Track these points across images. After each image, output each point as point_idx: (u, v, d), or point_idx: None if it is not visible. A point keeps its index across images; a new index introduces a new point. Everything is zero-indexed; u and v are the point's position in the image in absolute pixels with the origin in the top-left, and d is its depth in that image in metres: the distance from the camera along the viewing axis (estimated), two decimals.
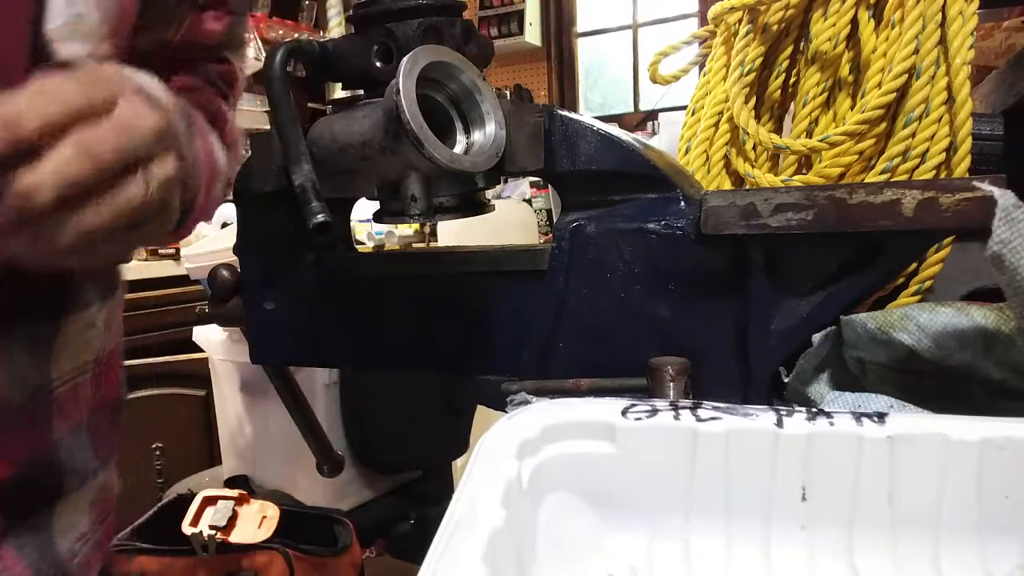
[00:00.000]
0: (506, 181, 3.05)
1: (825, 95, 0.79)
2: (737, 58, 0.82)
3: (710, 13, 0.87)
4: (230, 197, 0.79)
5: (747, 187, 0.80)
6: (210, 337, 1.61)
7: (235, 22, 0.73)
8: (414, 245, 2.60)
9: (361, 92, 0.66)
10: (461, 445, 1.78)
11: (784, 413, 0.42)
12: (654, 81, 0.95)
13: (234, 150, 0.72)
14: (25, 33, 0.50)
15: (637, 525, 0.44)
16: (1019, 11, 1.19)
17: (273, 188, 0.72)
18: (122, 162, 0.45)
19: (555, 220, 0.67)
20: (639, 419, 0.43)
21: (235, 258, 0.80)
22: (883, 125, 0.71)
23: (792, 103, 0.84)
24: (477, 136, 0.63)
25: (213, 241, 1.60)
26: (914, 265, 0.67)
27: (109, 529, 0.69)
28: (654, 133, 3.27)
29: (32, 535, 0.58)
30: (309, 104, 3.31)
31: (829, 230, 0.55)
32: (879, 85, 0.70)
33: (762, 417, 0.42)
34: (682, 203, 0.61)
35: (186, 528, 1.30)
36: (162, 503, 1.44)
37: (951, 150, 0.68)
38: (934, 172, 0.68)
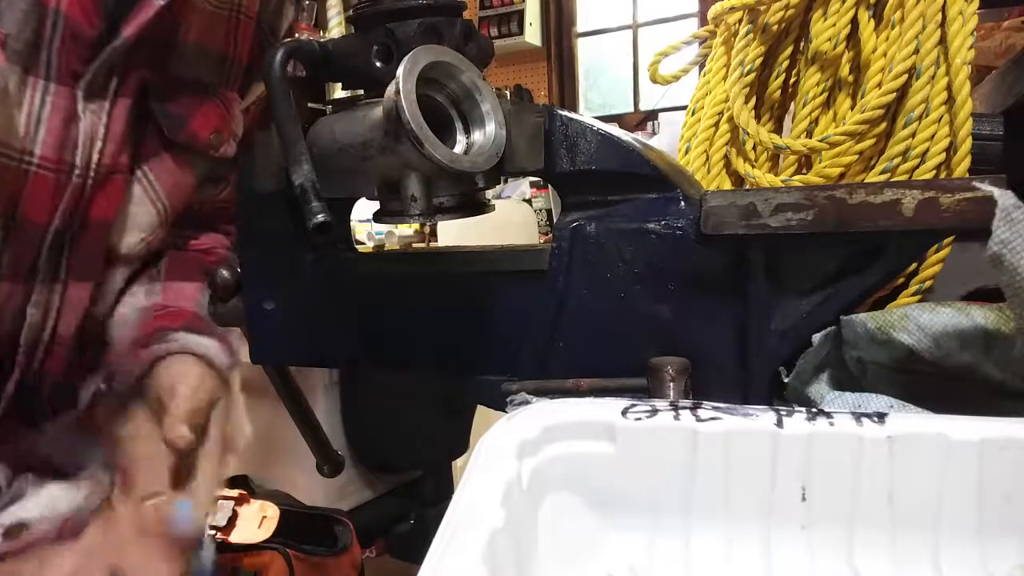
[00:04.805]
0: (506, 181, 3.05)
1: (825, 95, 0.79)
2: (737, 58, 0.82)
3: (710, 13, 0.87)
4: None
5: (747, 187, 0.80)
6: None
7: None
8: (414, 245, 2.60)
9: (361, 92, 0.66)
10: (461, 445, 1.78)
11: (784, 413, 0.42)
12: (654, 81, 0.95)
13: None
14: None
15: (637, 525, 0.44)
16: (1019, 11, 1.19)
17: (273, 188, 0.72)
18: None
19: (555, 220, 0.67)
20: (639, 419, 0.43)
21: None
22: (883, 125, 0.71)
23: (792, 103, 0.84)
24: (477, 136, 0.62)
25: None
26: (914, 265, 0.67)
27: None
28: (654, 133, 3.27)
29: None
30: (309, 104, 3.31)
31: (829, 230, 0.55)
32: (879, 85, 0.70)
33: (762, 417, 0.42)
34: (682, 203, 0.61)
35: None
36: None
37: (951, 150, 0.68)
38: (934, 172, 0.68)
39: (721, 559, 0.43)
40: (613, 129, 0.64)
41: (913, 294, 0.68)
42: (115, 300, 0.72)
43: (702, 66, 0.92)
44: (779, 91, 0.83)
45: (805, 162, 0.81)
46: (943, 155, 0.68)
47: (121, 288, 0.72)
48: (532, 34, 3.94)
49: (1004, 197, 0.48)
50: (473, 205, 0.68)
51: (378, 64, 0.63)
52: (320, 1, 3.91)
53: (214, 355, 0.69)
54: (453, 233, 2.38)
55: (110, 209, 0.63)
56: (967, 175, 0.67)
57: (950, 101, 0.68)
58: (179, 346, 0.68)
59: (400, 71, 0.56)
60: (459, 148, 0.62)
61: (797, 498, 0.42)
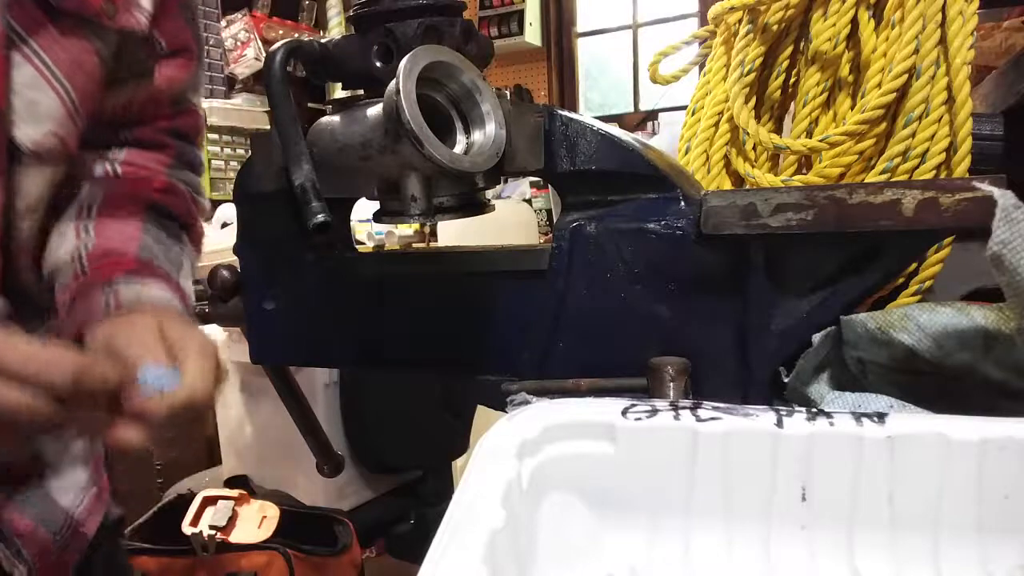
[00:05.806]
0: (506, 181, 3.05)
1: (825, 95, 0.79)
2: (737, 58, 0.82)
3: (710, 13, 0.87)
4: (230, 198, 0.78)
5: (747, 187, 0.80)
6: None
7: (198, 66, 0.73)
8: (414, 245, 2.60)
9: (361, 92, 0.66)
10: (461, 445, 1.78)
11: (784, 413, 0.42)
12: (654, 81, 0.95)
13: (198, 234, 0.74)
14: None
15: (637, 525, 0.44)
16: (1019, 11, 1.19)
17: (273, 188, 0.72)
18: None
19: (555, 220, 0.67)
20: (639, 419, 0.43)
21: (235, 258, 0.80)
22: (883, 125, 0.71)
23: (792, 103, 0.84)
24: (477, 136, 0.62)
25: (213, 241, 1.60)
26: (914, 265, 0.67)
27: (105, 481, 0.74)
28: (654, 133, 3.27)
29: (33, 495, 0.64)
30: (309, 104, 3.31)
31: (829, 230, 0.55)
32: (879, 85, 0.70)
33: (762, 417, 0.42)
34: (682, 203, 0.61)
35: (186, 528, 1.30)
36: (162, 503, 1.44)
37: (951, 150, 0.68)
38: (934, 172, 0.68)
39: (721, 559, 0.43)
40: (613, 129, 0.64)
41: (913, 294, 0.68)
42: (44, 219, 0.63)
43: (702, 66, 0.92)
44: (779, 91, 0.83)
45: (805, 162, 0.81)
46: (943, 155, 0.68)
47: (48, 204, 0.63)
48: (532, 34, 3.94)
49: (1004, 197, 0.48)
50: (473, 205, 0.68)
51: (378, 64, 0.63)
52: (320, 1, 3.91)
53: (161, 299, 0.60)
54: (453, 233, 2.38)
55: None
56: (967, 175, 0.67)
57: (950, 101, 0.68)
58: (130, 297, 0.59)
59: (400, 71, 0.56)
60: (459, 148, 0.62)
61: (797, 498, 0.42)
